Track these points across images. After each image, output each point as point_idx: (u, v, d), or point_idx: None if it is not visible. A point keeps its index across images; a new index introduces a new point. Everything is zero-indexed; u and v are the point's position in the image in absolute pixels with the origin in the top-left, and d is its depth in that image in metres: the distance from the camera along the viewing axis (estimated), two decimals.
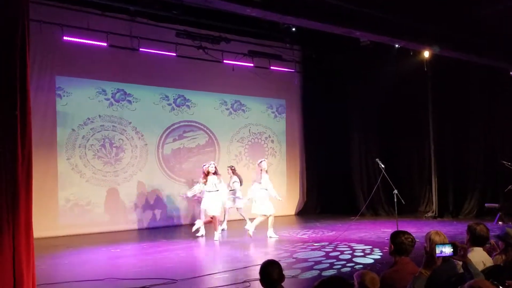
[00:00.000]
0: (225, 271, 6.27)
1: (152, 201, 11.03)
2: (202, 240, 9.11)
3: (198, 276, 6.06)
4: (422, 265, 2.89)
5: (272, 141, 13.23)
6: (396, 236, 3.41)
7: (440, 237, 3.38)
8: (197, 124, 11.87)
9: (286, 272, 5.73)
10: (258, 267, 3.28)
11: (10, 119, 4.50)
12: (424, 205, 12.27)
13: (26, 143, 4.60)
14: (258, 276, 3.27)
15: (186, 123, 11.72)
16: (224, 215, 10.19)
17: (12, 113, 4.50)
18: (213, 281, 5.82)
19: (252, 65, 11.81)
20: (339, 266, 6.44)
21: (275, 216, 9.27)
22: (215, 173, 9.21)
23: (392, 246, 3.40)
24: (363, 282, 2.81)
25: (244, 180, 10.22)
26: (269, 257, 7.01)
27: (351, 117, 13.28)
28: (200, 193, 9.45)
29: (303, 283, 5.66)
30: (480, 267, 3.24)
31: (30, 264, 4.57)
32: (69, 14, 9.35)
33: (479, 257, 3.50)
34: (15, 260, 4.39)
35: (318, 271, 6.14)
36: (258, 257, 7.34)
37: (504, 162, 10.15)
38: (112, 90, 10.65)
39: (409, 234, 3.43)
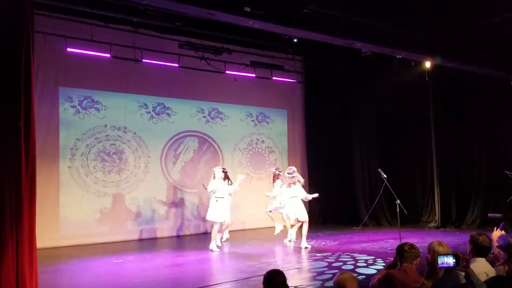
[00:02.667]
0: (227, 282, 6.25)
1: (155, 211, 11.02)
2: (203, 251, 9.09)
3: (201, 287, 6.04)
4: (424, 276, 2.90)
5: (274, 151, 13.25)
6: (398, 246, 3.60)
7: (443, 248, 3.39)
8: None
9: (288, 283, 5.73)
10: (261, 278, 3.28)
11: (14, 129, 4.54)
12: (427, 215, 12.23)
13: (29, 154, 4.63)
14: (261, 287, 3.26)
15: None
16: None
17: (16, 124, 4.54)
18: None
19: (254, 75, 11.86)
20: None
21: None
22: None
23: (395, 255, 3.56)
24: (341, 280, 2.93)
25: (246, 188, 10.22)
26: (272, 267, 7.00)
27: (353, 127, 13.29)
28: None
29: None
30: (483, 278, 3.23)
31: (33, 273, 4.58)
32: (73, 25, 9.43)
33: (481, 268, 3.48)
34: (18, 269, 4.41)
35: (321, 282, 6.12)
36: (260, 267, 7.29)
37: (507, 172, 10.13)
38: (115, 101, 10.71)
39: (409, 243, 3.60)
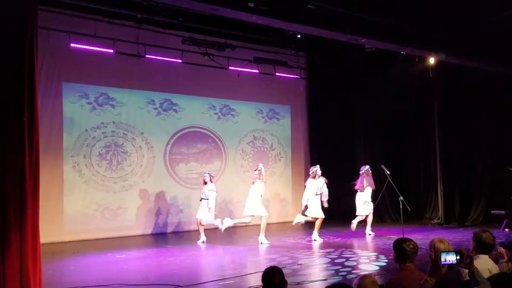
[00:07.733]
0: (229, 278, 6.27)
1: (158, 207, 11.04)
2: (206, 246, 9.10)
3: (203, 283, 6.06)
4: (427, 273, 2.88)
5: (277, 147, 13.24)
6: (397, 243, 3.45)
7: (444, 244, 3.38)
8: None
9: (291, 279, 5.75)
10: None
11: (18, 126, 4.55)
12: (430, 211, 12.20)
13: (33, 150, 4.65)
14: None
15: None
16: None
17: (20, 120, 4.55)
18: (218, 287, 5.82)
19: (257, 71, 11.84)
20: (345, 273, 6.42)
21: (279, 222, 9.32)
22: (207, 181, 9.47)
23: (395, 254, 3.43)
24: (362, 284, 2.83)
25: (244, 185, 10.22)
26: (274, 263, 7.01)
27: (356, 123, 13.24)
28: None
29: None
30: (486, 275, 3.22)
31: (36, 269, 4.60)
32: (77, 21, 9.44)
33: (485, 265, 3.48)
34: (22, 265, 4.43)
35: (324, 278, 6.12)
36: (262, 263, 7.32)
37: (511, 169, 10.09)
38: (118, 97, 10.71)
39: (410, 240, 3.45)
